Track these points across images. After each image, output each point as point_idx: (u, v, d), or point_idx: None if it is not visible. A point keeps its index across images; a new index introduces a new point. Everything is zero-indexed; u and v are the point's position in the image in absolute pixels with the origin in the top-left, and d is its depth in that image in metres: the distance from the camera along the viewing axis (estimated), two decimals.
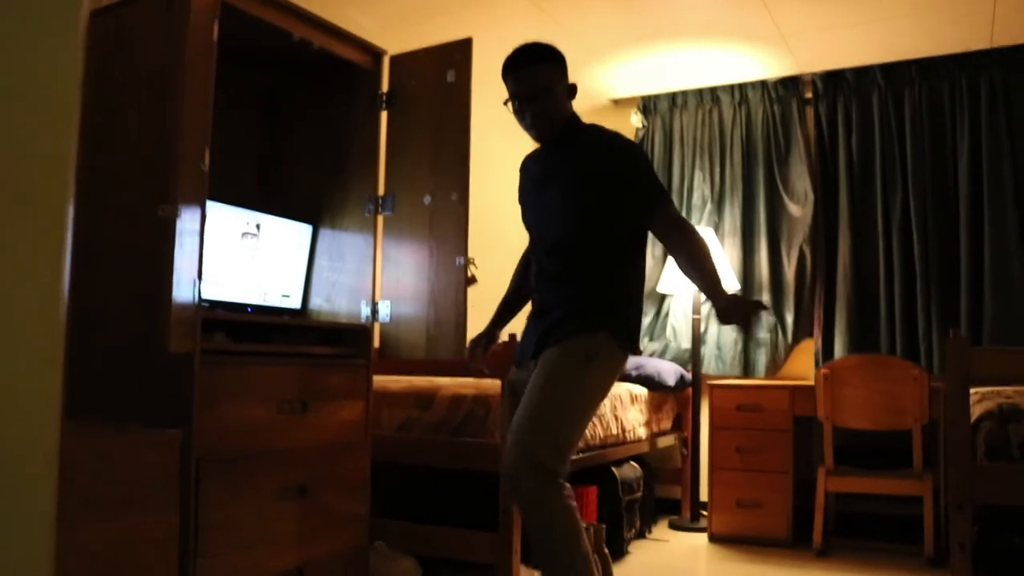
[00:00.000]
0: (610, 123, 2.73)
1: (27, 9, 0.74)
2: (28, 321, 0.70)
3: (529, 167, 2.65)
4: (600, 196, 2.41)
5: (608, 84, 4.98)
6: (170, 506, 2.10)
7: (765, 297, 4.70)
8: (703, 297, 4.72)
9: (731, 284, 4.60)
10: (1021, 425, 2.39)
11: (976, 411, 2.52)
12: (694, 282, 2.48)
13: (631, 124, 5.12)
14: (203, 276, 2.27)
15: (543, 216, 2.52)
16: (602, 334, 2.37)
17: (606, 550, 2.99)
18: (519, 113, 2.46)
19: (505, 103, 2.47)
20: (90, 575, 1.86)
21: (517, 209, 2.69)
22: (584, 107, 5.12)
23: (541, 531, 2.25)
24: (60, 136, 0.75)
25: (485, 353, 2.71)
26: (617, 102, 5.26)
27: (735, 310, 2.29)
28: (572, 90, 2.50)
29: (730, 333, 4.76)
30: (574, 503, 2.28)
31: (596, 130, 2.53)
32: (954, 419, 2.38)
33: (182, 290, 2.19)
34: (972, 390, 2.68)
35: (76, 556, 1.79)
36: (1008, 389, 2.90)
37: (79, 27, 0.75)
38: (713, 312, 4.78)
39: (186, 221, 2.20)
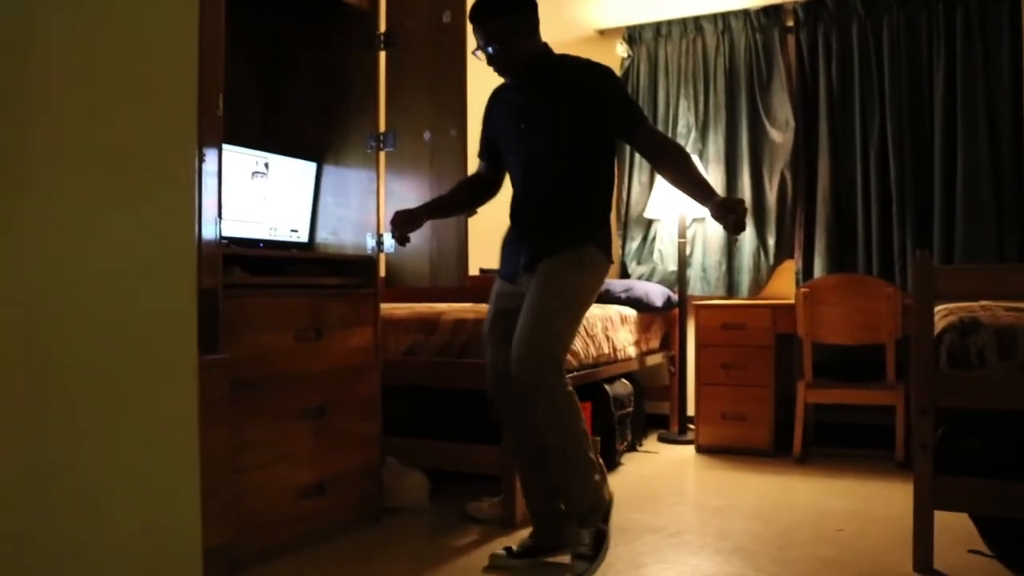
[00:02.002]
0: (596, 53, 2.89)
1: None
2: (175, 263, 0.88)
3: (504, 98, 2.80)
4: (584, 123, 2.64)
5: (594, 15, 5.06)
6: (213, 426, 2.30)
7: (748, 221, 4.86)
8: (689, 220, 4.90)
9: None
10: (979, 336, 2.59)
11: (940, 325, 2.72)
12: (684, 191, 2.65)
13: (616, 54, 5.21)
14: (222, 215, 2.43)
15: (527, 145, 2.70)
16: (590, 246, 2.66)
17: (600, 461, 3.21)
18: (486, 59, 2.66)
19: (474, 52, 2.68)
20: None
21: None
22: (570, 38, 5.20)
23: (550, 411, 2.57)
24: (185, 100, 0.92)
25: (407, 228, 2.73)
26: (603, 32, 5.33)
27: (724, 213, 2.42)
28: (534, 27, 2.67)
29: (715, 256, 4.94)
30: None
31: (569, 60, 2.73)
32: (919, 332, 2.60)
33: (207, 229, 2.35)
34: (940, 306, 2.88)
35: None
36: (974, 304, 3.10)
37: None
38: (699, 234, 4.98)
39: (208, 164, 2.35)
